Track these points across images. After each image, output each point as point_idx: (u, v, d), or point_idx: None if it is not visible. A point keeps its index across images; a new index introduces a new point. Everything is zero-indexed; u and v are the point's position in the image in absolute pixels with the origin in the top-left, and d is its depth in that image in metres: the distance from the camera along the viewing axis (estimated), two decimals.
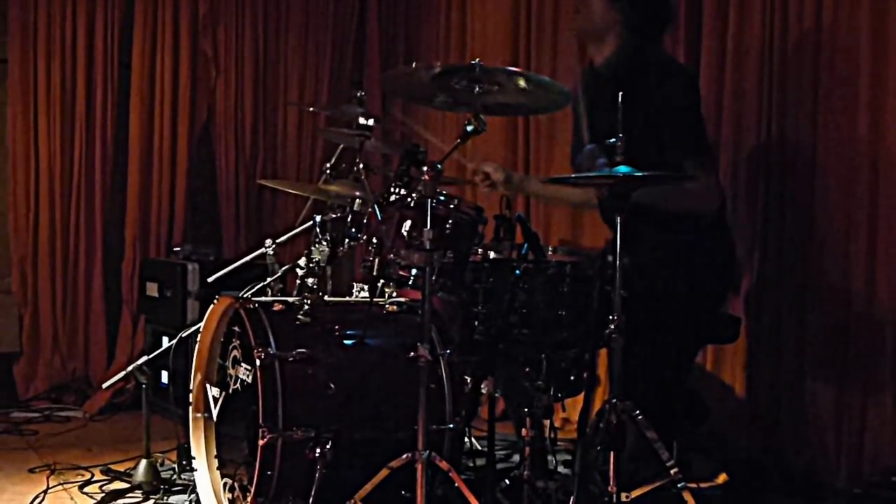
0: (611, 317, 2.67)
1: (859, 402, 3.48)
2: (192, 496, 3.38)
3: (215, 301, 3.26)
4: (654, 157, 3.04)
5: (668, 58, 3.49)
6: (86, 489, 3.67)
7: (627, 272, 2.76)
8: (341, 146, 3.97)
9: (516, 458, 3.85)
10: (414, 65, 3.21)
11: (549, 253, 3.27)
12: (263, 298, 3.21)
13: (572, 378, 2.96)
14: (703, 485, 3.39)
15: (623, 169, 2.81)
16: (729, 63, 3.84)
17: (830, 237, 3.57)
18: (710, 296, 3.33)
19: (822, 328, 3.58)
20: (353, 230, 3.35)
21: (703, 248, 3.26)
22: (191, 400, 3.35)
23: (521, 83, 3.13)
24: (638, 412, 2.70)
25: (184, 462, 3.64)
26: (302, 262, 3.31)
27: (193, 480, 3.36)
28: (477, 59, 3.04)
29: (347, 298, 3.40)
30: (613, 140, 2.87)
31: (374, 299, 3.30)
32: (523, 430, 2.93)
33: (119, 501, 3.54)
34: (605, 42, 3.39)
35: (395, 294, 3.36)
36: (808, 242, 3.63)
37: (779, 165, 3.72)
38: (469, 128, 3.11)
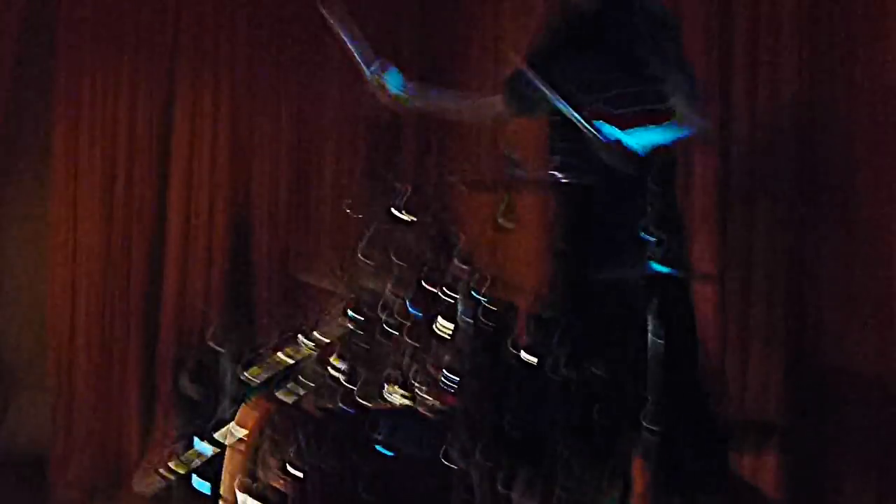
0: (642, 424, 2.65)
1: None
2: None
3: (248, 400, 3.25)
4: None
5: (658, 7, 3.29)
6: None
7: None
8: (375, 235, 3.97)
9: None
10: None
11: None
12: (296, 398, 3.20)
13: (607, 484, 2.93)
14: None
15: (660, 268, 2.81)
16: None
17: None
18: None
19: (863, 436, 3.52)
20: (388, 328, 3.35)
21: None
22: None
23: None
24: None
25: None
26: (336, 361, 3.31)
27: None
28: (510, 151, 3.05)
29: (381, 402, 3.39)
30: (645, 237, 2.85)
31: (408, 402, 3.28)
32: None
33: None
34: None
35: (428, 398, 3.34)
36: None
37: None
38: (501, 220, 3.13)
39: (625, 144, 2.93)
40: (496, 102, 3.51)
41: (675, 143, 3.09)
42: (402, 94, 3.46)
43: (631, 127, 2.97)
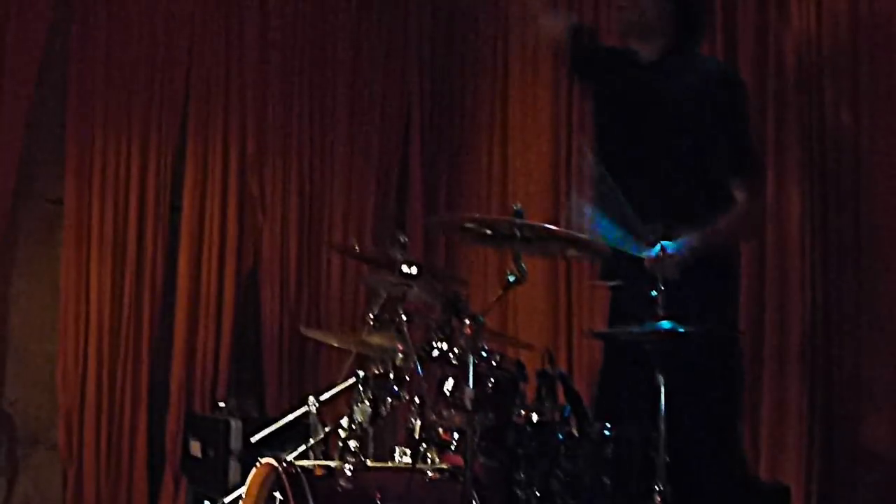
0: (655, 487, 2.63)
1: None
2: None
3: (258, 464, 3.23)
4: (694, 173, 3.06)
5: (721, 65, 3.40)
6: None
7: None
8: (384, 294, 3.97)
9: None
10: (458, 216, 3.25)
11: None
12: (305, 462, 3.18)
13: None
14: None
15: (665, 324, 2.80)
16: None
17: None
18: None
19: None
20: (396, 388, 3.33)
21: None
22: None
23: (570, 251, 3.15)
24: None
25: None
26: (344, 422, 3.29)
27: None
28: (517, 205, 3.06)
29: (390, 464, 3.36)
30: (654, 294, 2.85)
31: (417, 465, 3.25)
32: None
33: None
34: (654, 37, 3.28)
35: (437, 458, 3.32)
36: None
37: None
38: (511, 278, 3.13)
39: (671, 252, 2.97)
40: None
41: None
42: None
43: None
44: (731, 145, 3.13)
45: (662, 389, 2.77)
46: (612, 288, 3.28)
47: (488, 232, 3.15)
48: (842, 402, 3.59)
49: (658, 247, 2.92)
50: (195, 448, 5.07)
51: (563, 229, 3.13)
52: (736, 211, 3.13)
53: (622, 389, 3.25)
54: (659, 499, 2.61)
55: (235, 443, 4.74)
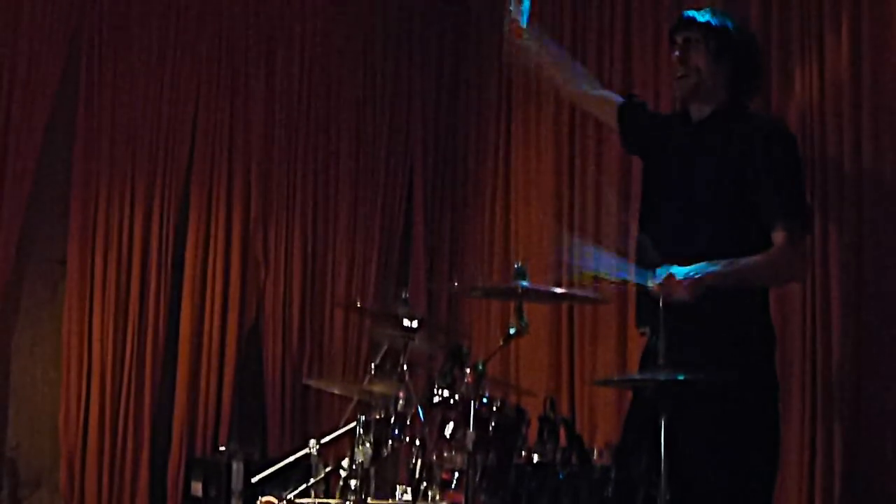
0: None
1: None
2: None
3: (258, 502, 3.26)
4: (742, 220, 3.07)
5: (770, 117, 3.44)
6: None
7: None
8: (386, 345, 4.02)
9: None
10: (462, 286, 3.31)
11: (595, 456, 3.25)
12: (306, 501, 3.21)
13: None
14: None
15: (662, 374, 2.84)
16: None
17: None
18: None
19: None
20: (397, 431, 3.37)
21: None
22: None
23: None
24: None
25: None
26: (345, 463, 3.32)
27: None
28: (519, 263, 3.12)
29: (391, 502, 3.39)
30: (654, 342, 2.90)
31: (418, 502, 3.28)
32: None
33: None
34: (711, 99, 3.31)
35: (438, 497, 3.34)
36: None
37: None
38: (512, 330, 3.19)
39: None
40: None
41: None
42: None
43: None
44: (774, 192, 3.12)
45: (663, 431, 2.80)
46: (643, 334, 3.28)
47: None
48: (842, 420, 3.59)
49: (664, 271, 2.95)
50: (196, 489, 5.07)
51: (565, 290, 3.19)
52: (774, 252, 3.09)
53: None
54: None
55: (237, 483, 4.74)
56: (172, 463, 5.46)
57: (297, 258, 5.89)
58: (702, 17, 3.32)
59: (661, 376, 2.83)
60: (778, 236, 3.07)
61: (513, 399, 4.04)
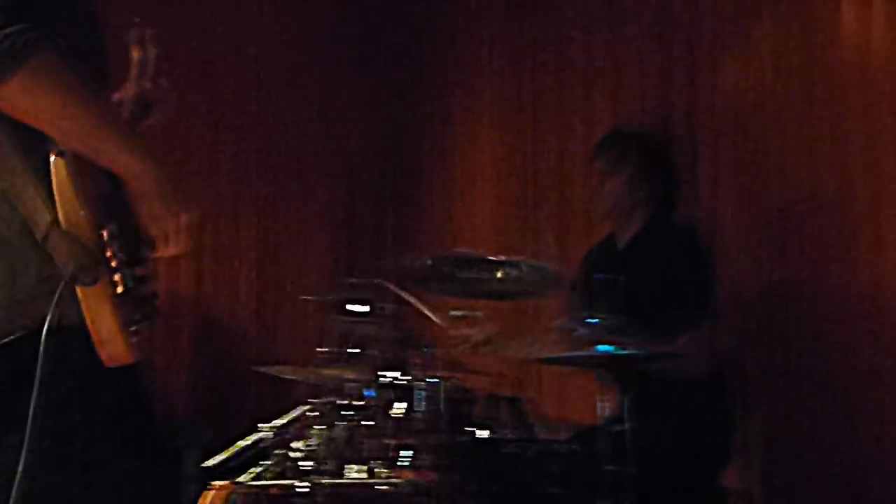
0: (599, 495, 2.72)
1: None
2: None
3: (210, 488, 3.27)
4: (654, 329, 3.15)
5: (686, 227, 3.52)
6: None
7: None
8: (337, 331, 4.05)
9: None
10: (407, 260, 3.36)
11: (539, 430, 3.32)
12: (259, 484, 3.23)
13: None
14: None
15: (604, 348, 2.91)
16: None
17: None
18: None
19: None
20: (348, 413, 3.41)
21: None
22: None
23: (503, 272, 3.26)
24: None
25: None
26: (298, 445, 3.35)
27: None
28: (462, 249, 3.18)
29: (342, 481, 3.42)
30: (595, 320, 2.98)
31: (370, 480, 3.32)
32: None
33: None
34: (632, 219, 3.46)
35: (388, 475, 3.38)
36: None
37: None
38: (455, 313, 3.23)
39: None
40: None
41: None
42: None
43: None
44: (685, 296, 3.30)
45: (626, 406, 2.87)
46: None
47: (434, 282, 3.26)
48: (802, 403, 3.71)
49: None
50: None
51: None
52: (675, 346, 3.25)
53: None
54: None
55: (189, 468, 4.74)
56: None
57: (248, 247, 5.92)
58: (616, 140, 3.47)
59: (607, 352, 2.91)
60: (683, 333, 3.24)
61: (461, 379, 4.12)
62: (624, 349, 2.91)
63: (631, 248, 3.48)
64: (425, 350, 3.23)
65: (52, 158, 1.56)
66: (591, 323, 3.01)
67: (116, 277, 1.60)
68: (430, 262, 3.23)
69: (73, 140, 1.57)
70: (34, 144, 1.58)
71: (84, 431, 1.62)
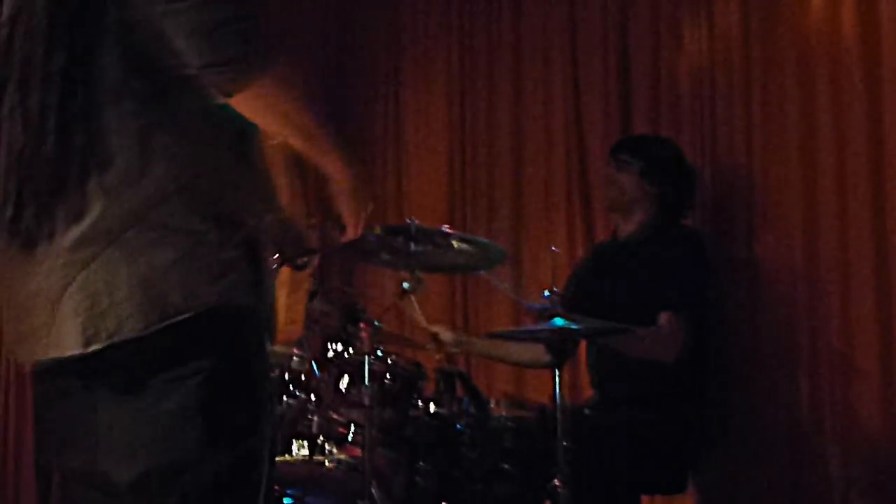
0: (554, 469, 2.66)
1: None
2: None
3: None
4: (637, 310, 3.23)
5: (688, 229, 3.62)
6: None
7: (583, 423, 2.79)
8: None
9: None
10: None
11: (492, 406, 3.25)
12: None
13: None
14: None
15: (558, 321, 2.85)
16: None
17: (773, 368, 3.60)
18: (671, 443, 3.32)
19: (771, 464, 3.58)
20: (293, 388, 3.31)
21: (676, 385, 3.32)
22: None
23: (456, 244, 3.18)
24: None
25: None
26: None
27: None
28: (413, 219, 3.09)
29: (287, 458, 3.33)
30: (548, 293, 2.92)
31: (314, 457, 3.23)
32: None
33: None
34: (634, 215, 3.53)
35: (335, 451, 3.29)
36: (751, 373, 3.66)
37: None
38: (406, 285, 3.16)
39: None
40: None
41: None
42: None
43: None
44: (668, 286, 3.35)
45: (557, 381, 2.82)
46: None
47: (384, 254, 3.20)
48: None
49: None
50: None
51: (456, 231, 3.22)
52: (653, 331, 3.29)
53: None
54: (559, 483, 2.65)
55: None
56: None
57: None
58: (639, 142, 3.66)
59: (555, 326, 2.85)
60: (663, 317, 3.30)
61: (409, 354, 4.04)
62: (576, 323, 2.86)
63: (633, 238, 3.56)
64: (374, 324, 3.12)
65: (272, 146, 1.69)
66: (546, 297, 2.94)
67: None
68: (378, 233, 3.13)
69: (300, 138, 1.71)
70: (249, 134, 1.65)
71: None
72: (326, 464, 3.20)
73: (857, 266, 3.51)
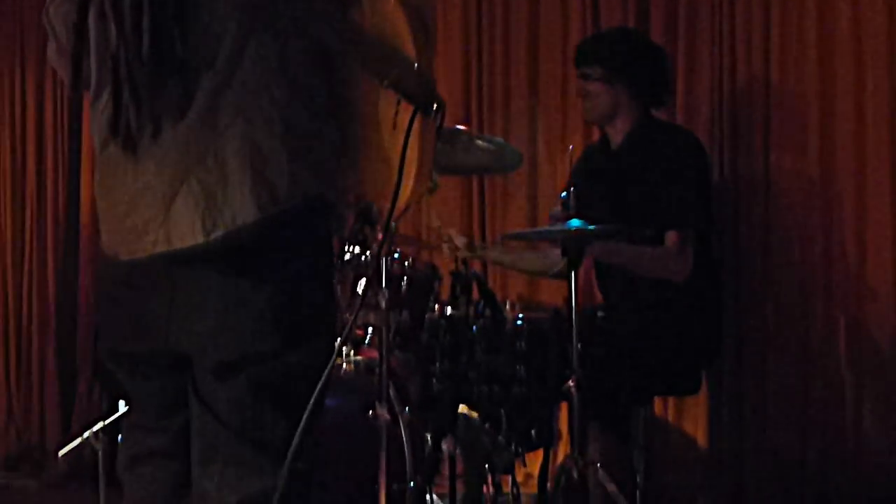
0: (568, 371, 2.68)
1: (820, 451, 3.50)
2: None
3: None
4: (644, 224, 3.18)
5: (680, 129, 3.56)
6: None
7: (595, 327, 2.79)
8: None
9: None
10: None
11: (507, 309, 3.26)
12: None
13: (532, 433, 2.94)
14: None
15: (575, 223, 2.83)
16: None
17: (787, 287, 3.61)
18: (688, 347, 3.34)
19: (784, 378, 3.60)
20: None
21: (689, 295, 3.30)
22: None
23: (473, 143, 3.16)
24: (599, 465, 2.70)
25: None
26: None
27: None
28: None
29: None
30: (565, 194, 2.90)
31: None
32: (484, 486, 2.91)
33: None
34: (619, 120, 3.44)
35: (352, 353, 3.33)
36: (765, 292, 3.67)
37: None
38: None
39: None
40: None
41: None
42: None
43: None
44: (674, 199, 3.26)
45: (573, 284, 2.82)
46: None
47: None
48: None
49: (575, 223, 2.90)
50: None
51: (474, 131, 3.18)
52: (661, 250, 3.25)
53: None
54: (573, 384, 2.67)
55: None
56: (80, 331, 5.33)
57: None
58: (593, 46, 3.48)
59: (571, 226, 2.83)
60: (670, 237, 3.24)
61: (425, 256, 4.05)
62: (591, 225, 2.84)
63: (624, 147, 3.45)
64: (390, 225, 3.10)
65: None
66: (562, 198, 2.92)
67: None
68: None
69: (423, 32, 1.72)
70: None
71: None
72: (344, 366, 3.24)
73: (874, 186, 3.48)
